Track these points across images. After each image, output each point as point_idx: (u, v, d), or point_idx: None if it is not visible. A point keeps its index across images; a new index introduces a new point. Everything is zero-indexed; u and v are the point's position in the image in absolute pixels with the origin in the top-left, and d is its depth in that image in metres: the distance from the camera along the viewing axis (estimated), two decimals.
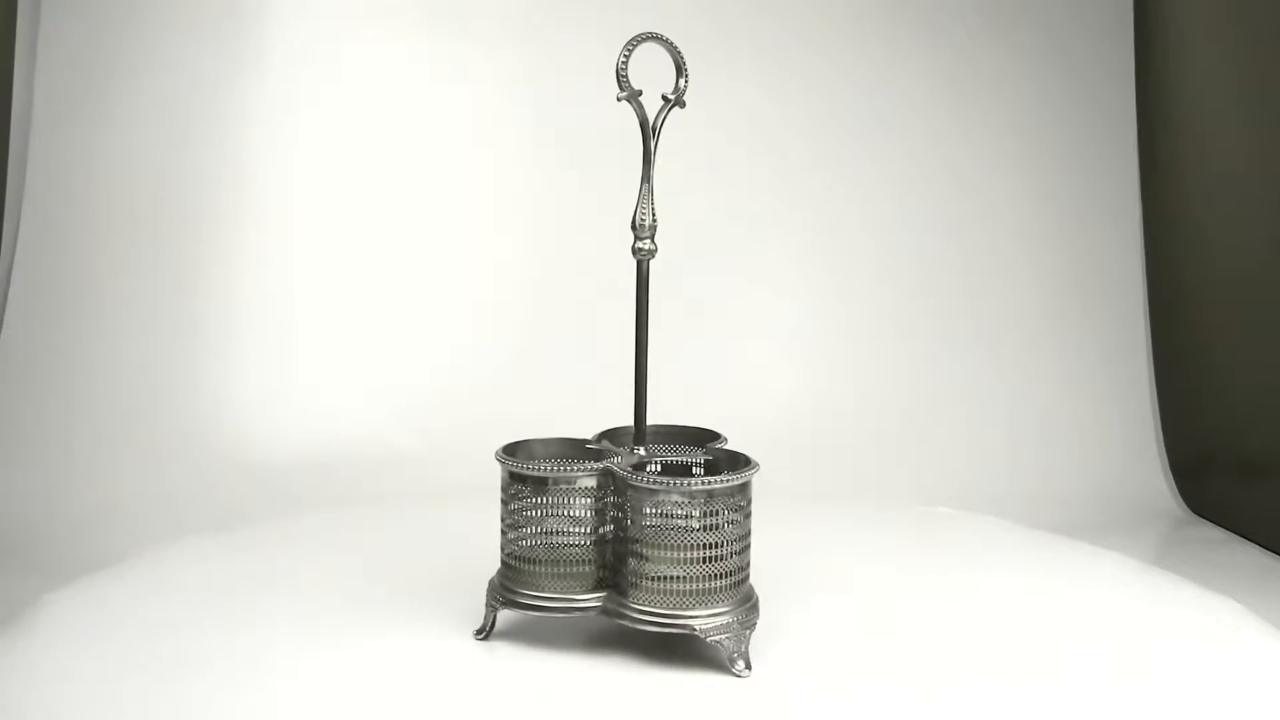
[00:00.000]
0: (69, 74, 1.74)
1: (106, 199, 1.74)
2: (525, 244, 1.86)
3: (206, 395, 1.71)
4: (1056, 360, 1.88)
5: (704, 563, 0.82)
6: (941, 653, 0.88)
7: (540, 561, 0.86)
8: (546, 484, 0.86)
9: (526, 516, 0.87)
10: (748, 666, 0.83)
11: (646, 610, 0.83)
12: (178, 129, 1.77)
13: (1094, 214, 1.93)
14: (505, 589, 0.88)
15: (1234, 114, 1.68)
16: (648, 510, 0.83)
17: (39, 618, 0.96)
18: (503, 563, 0.89)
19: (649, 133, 0.86)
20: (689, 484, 0.83)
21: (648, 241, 0.87)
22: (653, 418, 0.91)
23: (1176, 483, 1.79)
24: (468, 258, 1.85)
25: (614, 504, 0.85)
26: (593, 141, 1.80)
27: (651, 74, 0.90)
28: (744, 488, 0.84)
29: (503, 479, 0.88)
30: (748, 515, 0.85)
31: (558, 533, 0.86)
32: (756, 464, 0.86)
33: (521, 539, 0.87)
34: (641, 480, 0.83)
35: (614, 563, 0.85)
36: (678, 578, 0.82)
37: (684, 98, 0.87)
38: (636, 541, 0.83)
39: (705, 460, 0.93)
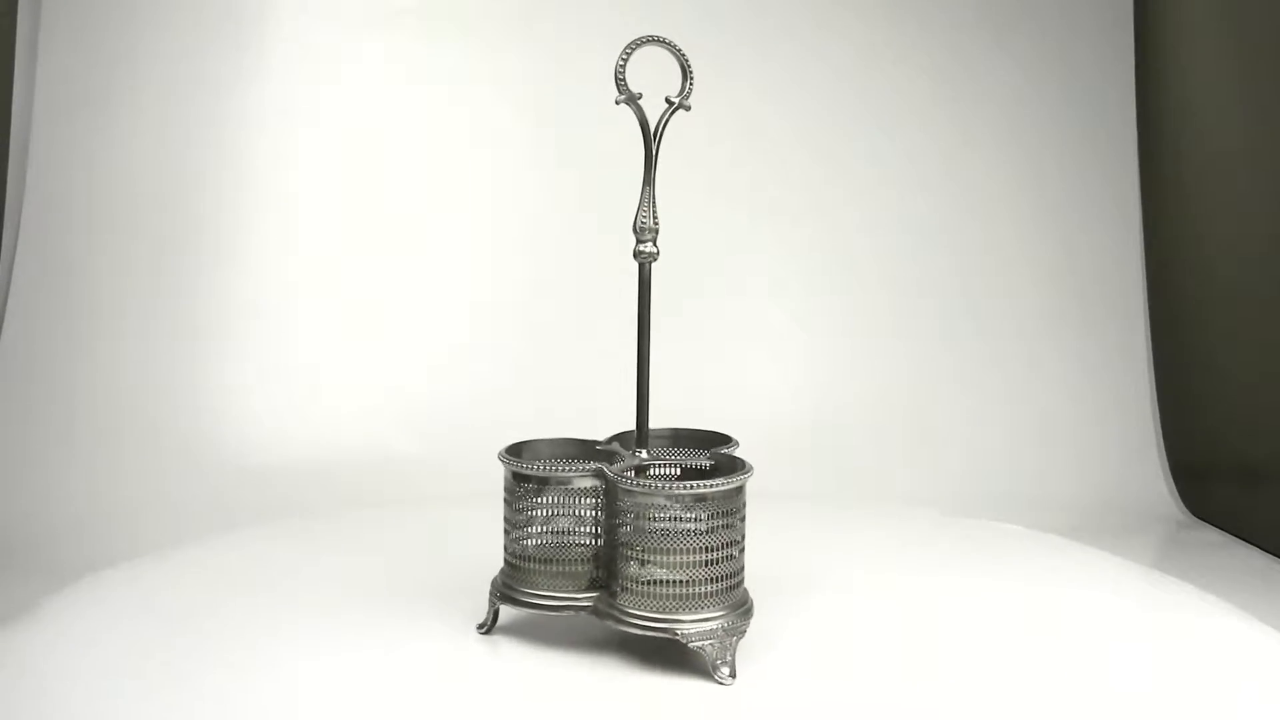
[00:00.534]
0: (69, 74, 1.74)
1: (107, 199, 1.74)
2: (526, 247, 1.86)
3: (206, 395, 1.71)
4: (1057, 363, 1.88)
5: (688, 567, 0.81)
6: (939, 657, 0.88)
7: (535, 560, 0.87)
8: (542, 484, 0.87)
9: (524, 515, 0.88)
10: (732, 674, 0.82)
11: (631, 612, 0.83)
12: (178, 130, 1.77)
13: (1094, 215, 1.93)
14: (505, 585, 0.89)
15: (1234, 114, 1.68)
16: (633, 513, 0.83)
17: (39, 618, 0.96)
18: (504, 560, 0.90)
19: (650, 136, 0.86)
20: (672, 488, 0.82)
21: (649, 244, 0.87)
22: (653, 420, 0.91)
23: (1177, 486, 1.79)
24: (469, 260, 1.85)
25: (606, 505, 0.85)
26: (594, 144, 1.80)
27: (654, 76, 0.90)
28: (734, 493, 0.83)
29: (505, 478, 0.89)
30: (739, 521, 0.84)
31: (553, 532, 0.87)
32: (748, 470, 0.85)
33: (520, 537, 0.88)
34: (627, 482, 0.83)
35: (607, 563, 0.85)
36: (662, 581, 0.82)
37: (688, 101, 0.86)
38: (624, 544, 0.83)
39: (709, 464, 0.93)
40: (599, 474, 0.86)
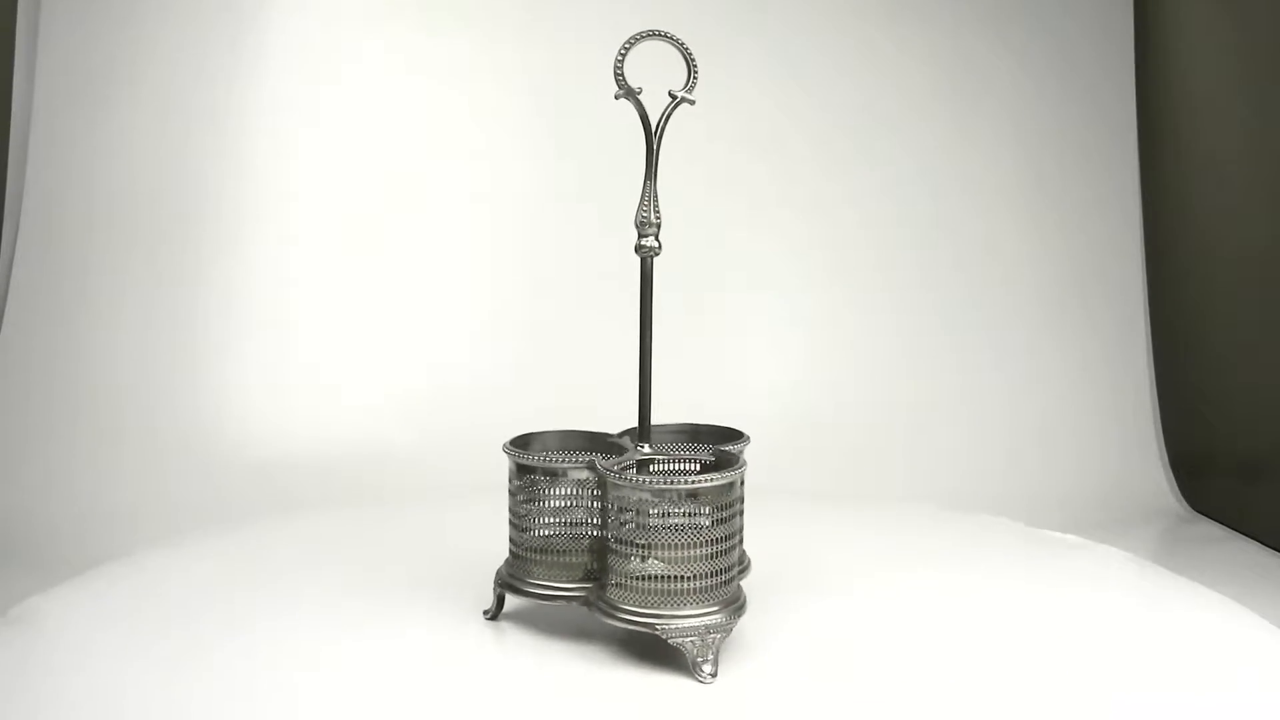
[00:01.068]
0: (69, 73, 1.74)
1: (106, 199, 1.74)
2: (527, 242, 1.86)
3: (206, 391, 1.71)
4: (1057, 359, 1.89)
5: (672, 563, 0.80)
6: (938, 654, 0.88)
7: (534, 550, 0.88)
8: (538, 474, 0.87)
9: (525, 505, 0.88)
10: (713, 673, 0.80)
11: (615, 606, 0.82)
12: (178, 129, 1.77)
13: (1094, 213, 1.94)
14: (508, 574, 0.89)
15: (1234, 113, 1.68)
16: (619, 506, 0.82)
17: (40, 615, 0.96)
18: (509, 550, 0.90)
19: (651, 130, 0.86)
20: (654, 482, 0.82)
21: (651, 239, 0.87)
22: (657, 415, 0.91)
23: (1177, 480, 1.79)
24: (469, 255, 1.85)
25: (599, 498, 0.85)
26: (596, 139, 1.80)
27: (656, 71, 0.90)
28: (721, 490, 0.82)
29: (509, 470, 0.90)
30: (729, 519, 0.82)
31: (550, 523, 0.88)
32: (740, 467, 0.84)
33: (521, 527, 0.88)
34: (614, 476, 0.82)
35: (600, 555, 0.86)
36: (646, 576, 0.81)
37: (692, 95, 0.86)
38: (611, 537, 0.83)
39: (710, 460, 0.93)
40: (591, 466, 0.86)
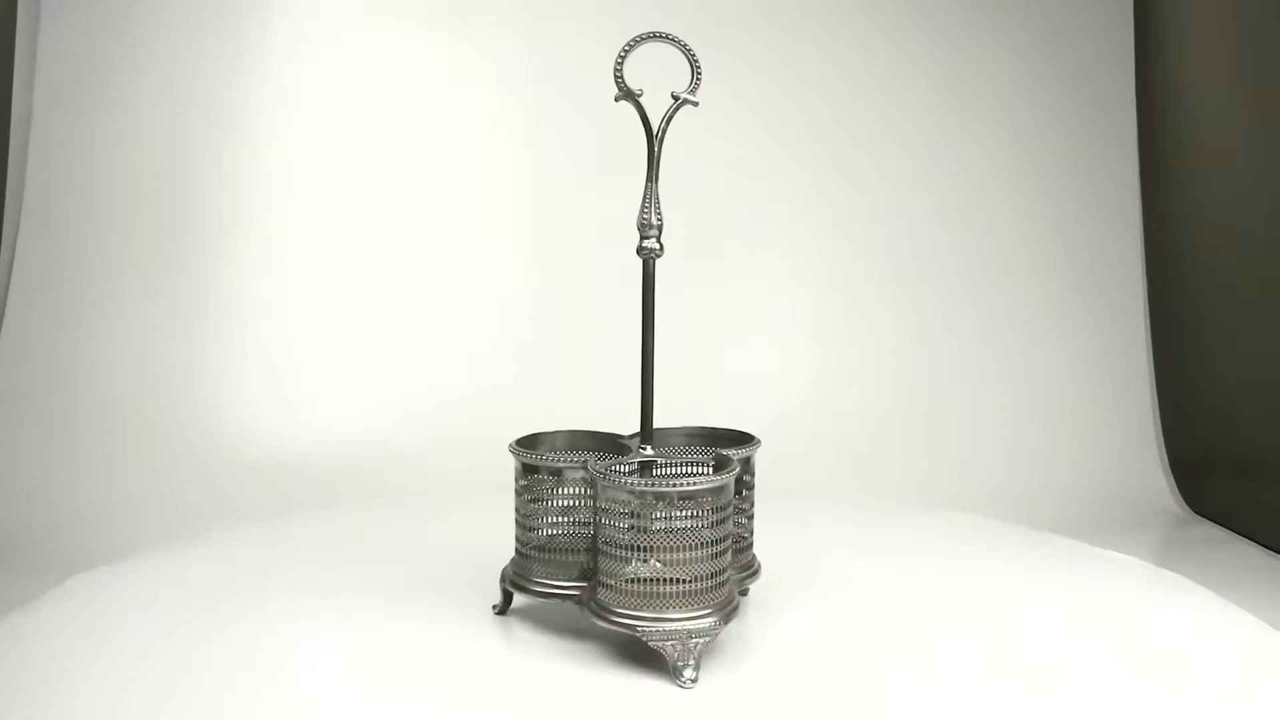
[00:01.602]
0: (69, 72, 1.74)
1: (106, 199, 1.74)
2: (528, 243, 1.86)
3: (207, 391, 1.71)
4: (1057, 359, 1.89)
5: (654, 564, 0.80)
6: (938, 654, 0.88)
7: (534, 548, 0.89)
8: (543, 474, 0.88)
9: (528, 504, 0.89)
10: (694, 679, 0.79)
11: (602, 606, 0.82)
12: (178, 129, 1.77)
13: (1094, 213, 1.94)
14: (513, 571, 0.90)
15: (1234, 114, 1.68)
16: (603, 506, 0.82)
17: (42, 612, 0.96)
18: (515, 548, 0.91)
19: (652, 132, 0.86)
20: (634, 483, 0.81)
21: (653, 241, 0.86)
22: (660, 417, 0.91)
23: (1176, 482, 1.79)
24: (470, 256, 1.85)
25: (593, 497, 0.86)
26: (597, 140, 1.80)
27: (658, 71, 0.90)
28: (709, 493, 0.81)
29: (515, 469, 0.91)
30: (717, 523, 0.81)
31: (550, 522, 0.89)
32: (730, 469, 0.84)
33: (527, 526, 0.89)
34: (601, 476, 0.82)
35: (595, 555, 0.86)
36: (636, 579, 0.81)
37: (695, 96, 0.86)
38: (598, 537, 0.83)
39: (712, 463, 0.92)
40: (585, 467, 0.86)
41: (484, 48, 1.86)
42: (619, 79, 0.85)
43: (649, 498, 0.81)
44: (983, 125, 1.95)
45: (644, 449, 0.90)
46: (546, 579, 0.88)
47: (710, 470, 0.91)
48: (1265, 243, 1.59)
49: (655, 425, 0.95)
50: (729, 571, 0.84)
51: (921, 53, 1.94)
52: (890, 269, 1.91)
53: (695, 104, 0.86)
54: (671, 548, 0.80)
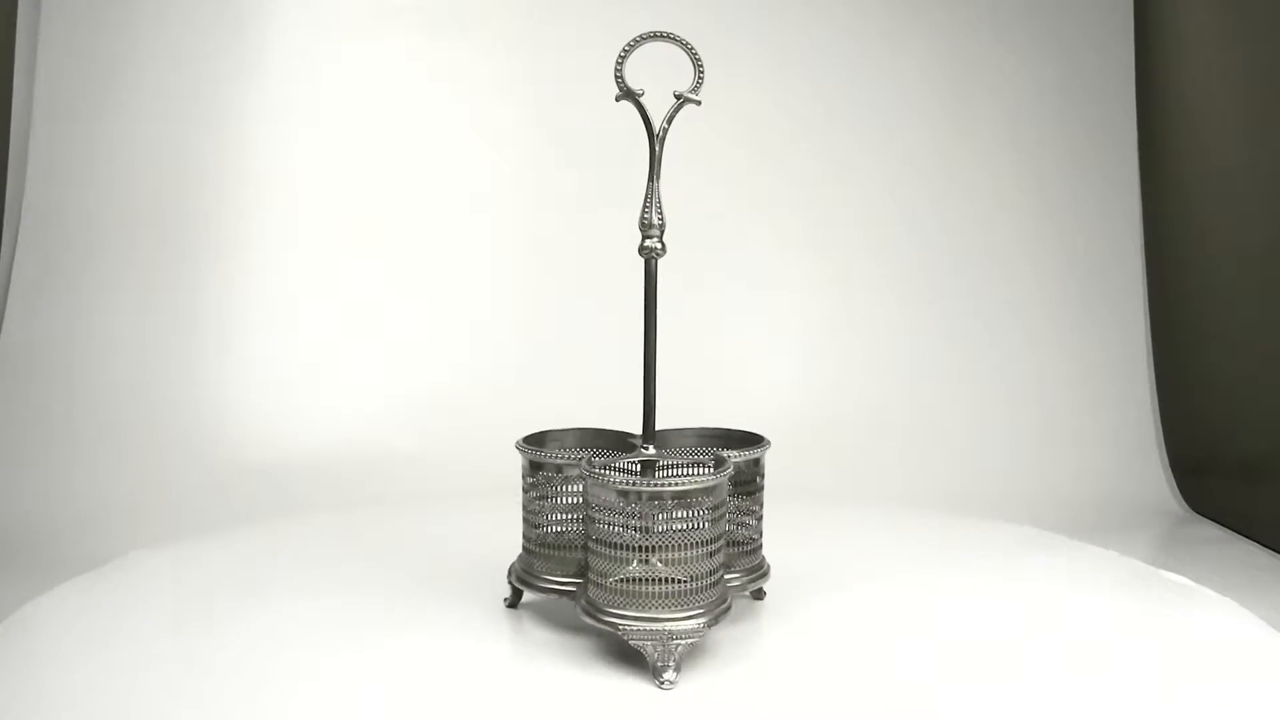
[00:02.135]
0: (68, 73, 1.74)
1: (106, 199, 1.74)
2: (529, 243, 1.86)
3: (206, 394, 1.71)
4: (1057, 360, 1.89)
5: (636, 564, 0.80)
6: (938, 655, 0.88)
7: (537, 543, 0.90)
8: (548, 471, 0.89)
9: (534, 501, 0.90)
10: (673, 680, 0.79)
11: (591, 602, 0.83)
12: (178, 129, 1.77)
13: (1094, 214, 1.94)
14: (520, 568, 0.92)
15: (1234, 113, 1.68)
16: (592, 504, 0.82)
17: (42, 614, 0.96)
18: (522, 545, 0.92)
19: (653, 132, 0.86)
20: (618, 482, 0.81)
21: (655, 240, 0.87)
22: (663, 418, 0.92)
23: (1177, 481, 1.79)
24: (471, 256, 1.85)
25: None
26: (598, 140, 1.80)
27: (658, 71, 0.90)
28: (699, 493, 0.80)
29: (522, 467, 0.92)
30: (708, 523, 0.81)
31: (552, 520, 0.90)
32: (725, 469, 0.84)
33: (534, 523, 0.90)
34: (588, 473, 0.82)
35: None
36: (616, 577, 0.81)
37: (697, 95, 0.86)
38: (587, 535, 0.83)
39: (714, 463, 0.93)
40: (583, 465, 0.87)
41: (484, 48, 1.86)
42: (619, 79, 0.86)
43: (633, 496, 0.81)
44: (984, 126, 1.95)
45: (645, 448, 0.90)
46: (551, 575, 0.89)
47: (710, 470, 0.91)
48: (1265, 244, 1.59)
49: (669, 426, 0.95)
50: (719, 573, 0.83)
51: (923, 54, 1.94)
52: (891, 270, 1.91)
53: (698, 103, 0.86)
54: (657, 548, 0.80)
